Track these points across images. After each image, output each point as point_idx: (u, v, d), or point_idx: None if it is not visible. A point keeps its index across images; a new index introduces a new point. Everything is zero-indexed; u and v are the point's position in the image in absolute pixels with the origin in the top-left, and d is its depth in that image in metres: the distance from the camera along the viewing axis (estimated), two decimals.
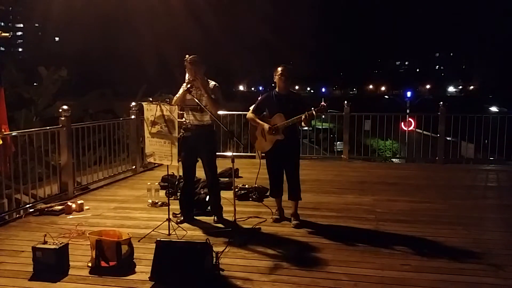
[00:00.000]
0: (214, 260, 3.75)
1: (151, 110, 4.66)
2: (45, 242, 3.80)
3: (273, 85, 5.20)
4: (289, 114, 4.90)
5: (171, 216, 4.80)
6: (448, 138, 9.64)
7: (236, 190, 6.06)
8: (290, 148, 5.10)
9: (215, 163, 5.15)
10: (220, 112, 8.73)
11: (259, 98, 5.30)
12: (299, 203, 5.19)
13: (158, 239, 3.77)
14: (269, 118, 5.07)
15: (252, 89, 78.28)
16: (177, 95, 5.01)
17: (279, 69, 5.01)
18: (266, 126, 5.02)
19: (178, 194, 5.77)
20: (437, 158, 9.33)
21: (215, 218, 5.15)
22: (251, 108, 5.24)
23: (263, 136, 5.10)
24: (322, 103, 4.85)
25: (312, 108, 4.78)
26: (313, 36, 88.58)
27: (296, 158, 5.20)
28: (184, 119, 5.05)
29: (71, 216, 5.37)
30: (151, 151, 4.80)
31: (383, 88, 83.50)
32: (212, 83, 5.02)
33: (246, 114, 9.97)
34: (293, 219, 5.11)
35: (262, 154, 5.28)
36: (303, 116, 4.80)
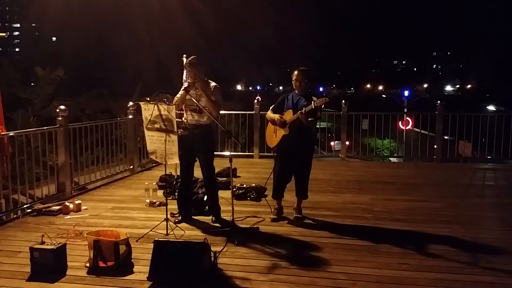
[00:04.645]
0: (212, 260, 3.75)
1: (148, 110, 4.67)
2: (42, 243, 3.78)
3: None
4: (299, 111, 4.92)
5: (169, 216, 4.80)
6: (445, 137, 9.66)
7: (234, 189, 6.06)
8: (301, 148, 5.09)
9: (213, 162, 5.14)
10: None
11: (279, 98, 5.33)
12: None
13: (156, 239, 3.77)
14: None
15: (250, 88, 78.15)
16: (178, 96, 5.01)
17: (294, 73, 5.09)
18: (277, 116, 5.10)
19: (176, 193, 5.76)
20: (434, 157, 9.35)
21: (213, 217, 5.15)
22: (271, 107, 5.30)
23: (275, 131, 5.18)
24: (325, 98, 4.78)
25: (313, 101, 4.73)
26: (310, 35, 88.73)
27: (308, 159, 5.19)
28: (183, 118, 5.06)
29: (68, 216, 5.36)
30: (153, 149, 4.81)
31: (380, 87, 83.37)
32: (212, 84, 5.01)
33: (243, 114, 10.13)
34: (295, 212, 5.24)
35: (269, 154, 5.28)
36: (299, 112, 4.82)
